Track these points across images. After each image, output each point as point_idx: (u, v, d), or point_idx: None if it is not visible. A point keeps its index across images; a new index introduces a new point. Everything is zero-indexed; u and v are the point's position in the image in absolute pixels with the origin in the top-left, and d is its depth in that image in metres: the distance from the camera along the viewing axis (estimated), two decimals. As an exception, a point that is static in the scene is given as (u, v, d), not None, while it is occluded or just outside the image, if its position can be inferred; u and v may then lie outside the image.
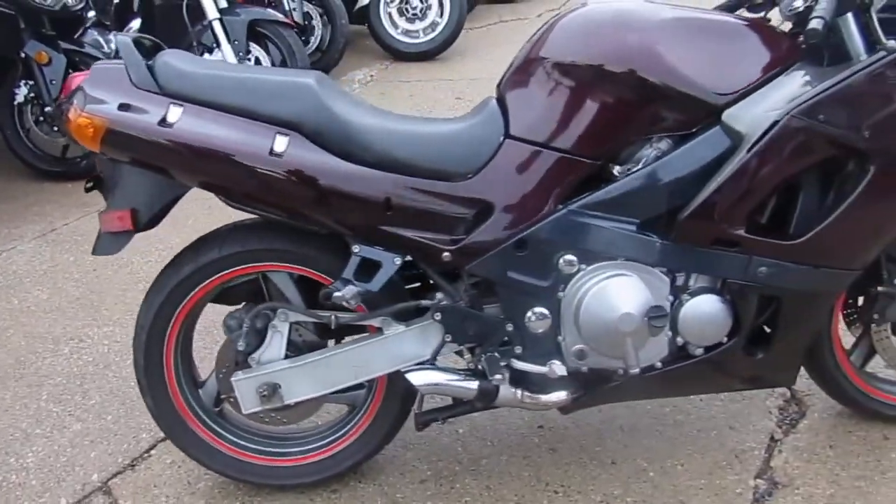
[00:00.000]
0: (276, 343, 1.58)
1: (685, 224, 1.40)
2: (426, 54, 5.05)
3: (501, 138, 1.47)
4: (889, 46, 1.28)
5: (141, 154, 1.40)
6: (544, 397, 1.58)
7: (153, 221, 1.55)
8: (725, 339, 1.52)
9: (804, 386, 1.92)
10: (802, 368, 1.74)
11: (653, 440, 1.85)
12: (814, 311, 1.54)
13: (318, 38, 4.73)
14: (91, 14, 3.98)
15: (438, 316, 1.52)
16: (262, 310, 1.56)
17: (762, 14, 1.63)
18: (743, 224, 1.40)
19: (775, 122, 1.32)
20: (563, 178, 1.46)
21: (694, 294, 1.49)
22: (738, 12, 1.66)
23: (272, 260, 1.56)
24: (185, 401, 1.67)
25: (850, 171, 1.41)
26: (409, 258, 1.51)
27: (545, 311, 1.51)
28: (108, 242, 1.52)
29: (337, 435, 1.73)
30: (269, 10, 3.84)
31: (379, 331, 1.58)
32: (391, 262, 1.48)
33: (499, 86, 1.53)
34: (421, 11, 5.00)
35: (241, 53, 3.72)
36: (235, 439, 1.71)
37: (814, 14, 1.26)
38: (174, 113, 1.39)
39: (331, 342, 1.69)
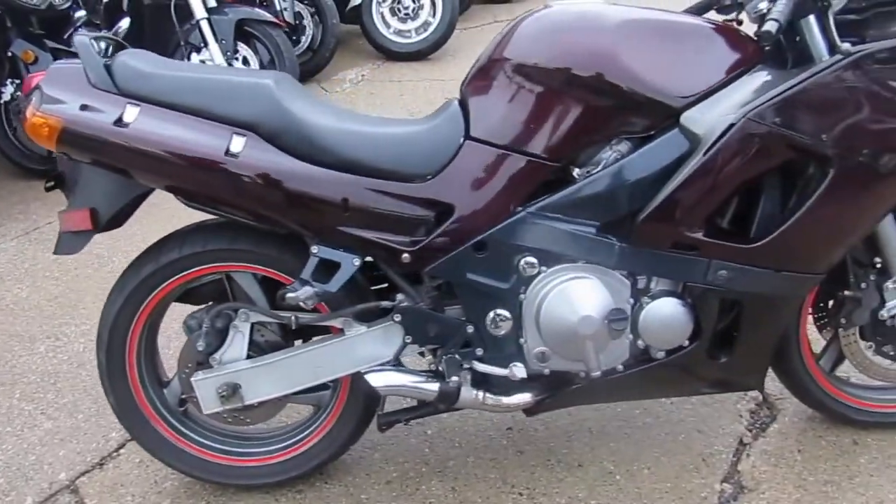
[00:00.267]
0: (237, 343, 1.58)
1: (642, 227, 1.40)
2: (418, 54, 5.05)
3: (462, 140, 1.46)
4: (844, 50, 1.27)
5: (96, 154, 1.40)
6: (507, 399, 1.58)
7: (115, 221, 1.56)
8: (687, 343, 1.51)
9: (777, 389, 1.91)
10: (773, 372, 1.74)
11: (621, 443, 1.85)
12: (777, 316, 1.53)
13: (310, 37, 4.72)
14: (80, 13, 4.00)
15: (398, 317, 1.52)
16: (223, 310, 1.56)
17: (732, 16, 1.62)
18: (701, 227, 1.40)
19: (731, 125, 1.31)
20: (523, 180, 1.45)
21: (654, 297, 1.48)
22: (708, 14, 1.65)
23: (233, 260, 1.56)
24: (149, 400, 1.67)
25: (811, 174, 1.40)
26: (369, 259, 1.51)
27: (506, 313, 1.51)
28: (69, 242, 1.52)
29: (302, 435, 1.73)
30: (258, 10, 3.84)
31: (341, 331, 1.58)
32: (350, 263, 1.48)
33: (461, 87, 1.53)
34: (413, 11, 5.00)
35: (228, 53, 3.72)
36: (200, 439, 1.71)
37: (769, 16, 1.25)
38: (130, 113, 1.39)
39: (299, 342, 1.69)
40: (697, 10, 1.67)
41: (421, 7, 4.99)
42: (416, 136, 1.48)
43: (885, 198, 1.42)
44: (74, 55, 3.51)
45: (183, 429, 1.70)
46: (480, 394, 1.56)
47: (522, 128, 1.44)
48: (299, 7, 4.65)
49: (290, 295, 1.42)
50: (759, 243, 1.40)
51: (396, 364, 1.58)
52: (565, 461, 1.80)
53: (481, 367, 1.55)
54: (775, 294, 1.47)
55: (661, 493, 1.69)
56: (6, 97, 3.56)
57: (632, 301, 1.48)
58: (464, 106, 1.49)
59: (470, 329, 1.53)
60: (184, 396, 1.65)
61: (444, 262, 1.47)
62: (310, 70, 4.75)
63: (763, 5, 1.43)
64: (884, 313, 1.62)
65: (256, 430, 1.78)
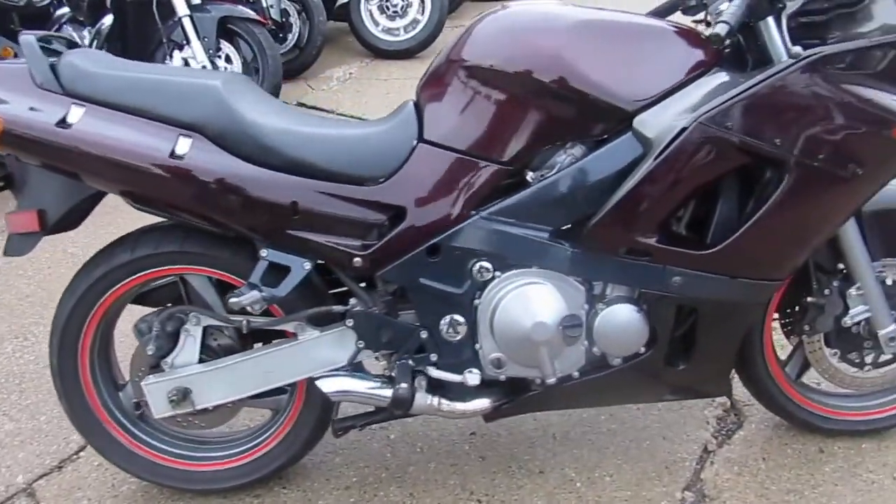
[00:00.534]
0: (189, 347, 1.55)
1: (593, 233, 1.37)
2: (407, 52, 5.02)
3: (415, 142, 1.44)
4: (794, 53, 1.24)
5: (40, 155, 1.38)
6: (463, 406, 1.56)
7: (66, 223, 1.53)
8: (643, 350, 1.49)
9: (745, 395, 1.88)
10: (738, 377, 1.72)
11: (584, 449, 1.82)
12: (736, 323, 1.50)
13: (296, 35, 4.70)
14: (63, 11, 3.99)
15: (351, 322, 1.50)
16: (173, 314, 1.54)
17: (700, 16, 1.59)
18: (654, 233, 1.37)
19: (683, 130, 1.28)
20: (476, 184, 1.42)
21: (610, 303, 1.46)
22: (674, 15, 1.63)
23: (186, 263, 1.54)
24: (103, 403, 1.65)
25: (768, 178, 1.37)
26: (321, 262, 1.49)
27: (460, 318, 1.48)
28: (18, 243, 1.50)
29: (259, 439, 1.71)
30: (240, 7, 3.81)
31: (295, 335, 1.56)
32: (300, 267, 1.45)
33: (417, 88, 1.50)
34: (402, 9, 4.97)
35: (210, 51, 3.69)
36: (155, 443, 1.69)
37: (720, 18, 1.23)
38: (75, 114, 1.36)
39: (259, 345, 1.67)
40: (662, 12, 1.64)
41: (409, 5, 4.96)
42: (369, 139, 1.46)
43: (844, 203, 1.39)
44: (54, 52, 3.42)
45: (138, 432, 1.68)
46: (436, 400, 1.54)
47: (475, 131, 1.41)
48: (286, 4, 4.63)
49: (232, 300, 1.40)
50: (713, 249, 1.38)
51: (351, 369, 1.56)
52: (526, 468, 1.78)
53: (436, 373, 1.52)
54: (732, 301, 1.45)
55: (620, 502, 1.67)
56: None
57: (587, 307, 1.46)
58: (418, 108, 1.47)
59: (424, 334, 1.50)
60: (134, 400, 1.63)
61: (397, 266, 1.45)
62: (296, 68, 4.73)
63: (724, 6, 1.40)
64: (847, 320, 1.60)
65: (214, 434, 1.75)
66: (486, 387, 1.54)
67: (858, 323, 1.61)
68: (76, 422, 1.66)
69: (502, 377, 1.53)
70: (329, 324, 1.54)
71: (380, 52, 5.06)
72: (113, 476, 1.81)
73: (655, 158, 1.30)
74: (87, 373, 1.62)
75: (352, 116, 4.10)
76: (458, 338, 1.50)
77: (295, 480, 1.78)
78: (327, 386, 1.50)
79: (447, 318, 1.48)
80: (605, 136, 1.39)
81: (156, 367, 1.57)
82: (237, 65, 3.82)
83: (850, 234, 1.52)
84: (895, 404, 1.75)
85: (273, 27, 4.52)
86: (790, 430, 1.83)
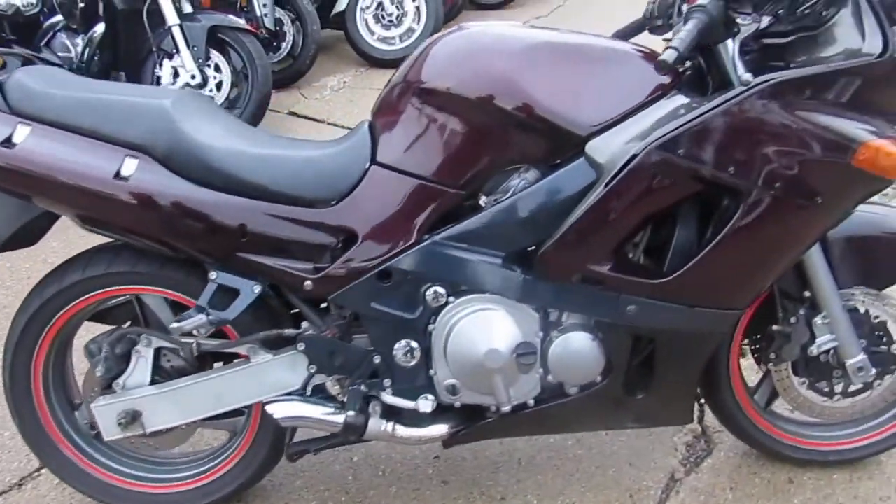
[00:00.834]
0: (140, 369, 1.53)
1: (543, 260, 1.34)
2: (402, 61, 4.98)
3: (368, 164, 1.41)
4: (744, 80, 1.21)
5: (-19, 174, 1.36)
6: (419, 432, 1.53)
7: (17, 241, 1.52)
8: (599, 379, 1.46)
9: (717, 421, 1.84)
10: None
11: (549, 475, 1.79)
12: (695, 353, 1.46)
13: (290, 43, 4.69)
14: (57, 18, 3.99)
15: (302, 346, 1.47)
16: (123, 335, 1.52)
17: (667, 35, 1.55)
18: (607, 261, 1.34)
19: (633, 156, 1.25)
20: (429, 208, 1.40)
21: (564, 331, 1.42)
22: (641, 36, 1.59)
23: (138, 283, 1.52)
24: (57, 423, 1.63)
25: (725, 206, 1.34)
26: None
27: (414, 344, 1.45)
28: (-32, 261, 1.48)
29: (216, 461, 1.69)
30: (230, 17, 3.80)
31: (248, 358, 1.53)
32: (250, 291, 1.43)
33: (372, 109, 1.48)
34: (397, 18, 4.96)
35: (199, 60, 3.68)
36: (111, 463, 1.67)
37: (669, 43, 1.19)
38: (20, 133, 1.35)
39: (220, 364, 1.65)
40: (627, 33, 1.62)
41: (405, 14, 4.95)
42: (321, 160, 1.43)
43: (804, 232, 1.35)
44: (44, 61, 3.45)
45: (93, 453, 1.66)
46: (390, 425, 1.51)
47: (427, 154, 1.38)
48: (280, 13, 4.62)
49: (173, 325, 1.38)
50: (668, 278, 1.34)
51: (308, 392, 1.53)
52: (488, 493, 1.75)
53: (389, 399, 1.49)
54: (691, 331, 1.41)
55: (581, 531, 1.64)
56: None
57: (541, 334, 1.43)
58: (372, 129, 1.45)
59: (377, 359, 1.47)
60: (85, 422, 1.61)
61: (349, 290, 1.42)
62: (290, 76, 4.72)
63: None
64: (814, 349, 1.55)
65: (171, 456, 1.73)
66: (443, 413, 1.51)
67: (827, 352, 1.57)
68: (29, 441, 1.64)
69: (457, 404, 1.50)
70: (282, 347, 1.52)
71: (375, 61, 5.05)
72: (72, 495, 1.79)
73: (606, 185, 1.27)
74: (41, 392, 1.60)
75: (342, 126, 4.08)
76: (413, 363, 1.47)
77: (253, 503, 1.75)
78: (277, 411, 1.47)
79: (401, 344, 1.45)
80: (559, 161, 1.36)
81: (108, 389, 1.55)
82: (226, 74, 3.81)
83: (815, 261, 1.48)
84: (866, 434, 1.70)
85: (267, 36, 4.52)
86: (760, 458, 1.79)
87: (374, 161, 1.41)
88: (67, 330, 1.59)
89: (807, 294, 1.53)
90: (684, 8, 1.41)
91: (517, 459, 1.84)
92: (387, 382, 1.49)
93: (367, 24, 4.97)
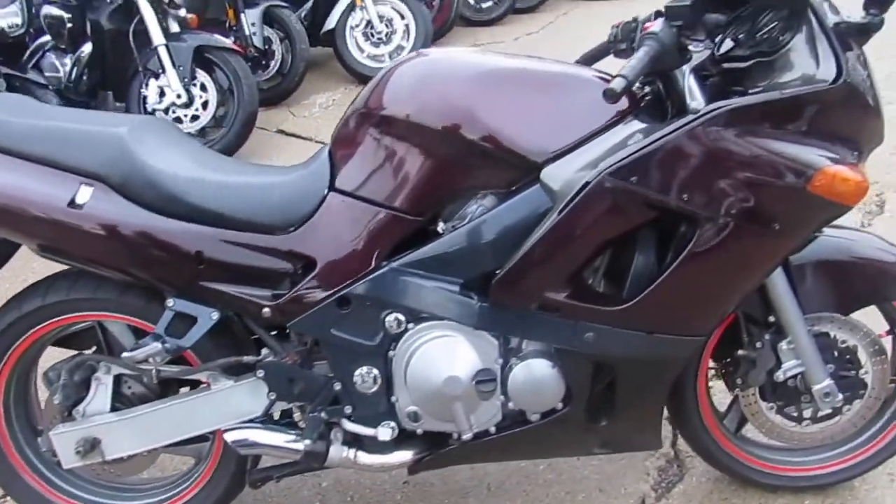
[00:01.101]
0: (100, 396, 1.52)
1: (499, 287, 1.33)
2: (392, 79, 5.00)
3: (326, 191, 1.41)
4: (693, 109, 1.20)
5: (-64, 202, 1.36)
6: (382, 459, 1.51)
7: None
8: (560, 406, 1.44)
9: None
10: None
11: (517, 501, 1.77)
12: (657, 380, 1.45)
13: (279, 62, 4.71)
14: (45, 39, 4.02)
15: (261, 373, 1.46)
16: (81, 362, 1.51)
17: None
18: (564, 288, 1.33)
19: (587, 184, 1.24)
20: (386, 234, 1.39)
21: (524, 358, 1.41)
22: (605, 60, 1.59)
23: (98, 309, 1.51)
24: (18, 449, 1.62)
25: (682, 232, 1.33)
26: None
27: (374, 370, 1.44)
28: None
29: (180, 488, 1.67)
30: (217, 37, 3.82)
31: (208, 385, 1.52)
32: (208, 318, 1.42)
33: (332, 135, 1.48)
34: (386, 36, 4.98)
35: (185, 79, 3.70)
36: (74, 490, 1.66)
37: (619, 72, 1.19)
38: (-25, 161, 1.35)
39: (185, 390, 1.63)
40: (592, 57, 1.62)
41: (394, 31, 4.97)
42: (279, 186, 1.43)
43: (762, 258, 1.34)
44: (29, 81, 3.46)
45: (56, 480, 1.65)
46: (352, 452, 1.50)
47: (385, 181, 1.38)
48: (269, 32, 4.65)
49: (126, 355, 1.37)
50: (625, 305, 1.33)
51: (269, 420, 1.52)
52: (456, 520, 1.73)
53: (350, 426, 1.48)
54: (651, 357, 1.40)
55: (548, 559, 1.62)
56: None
57: (501, 361, 1.41)
58: (331, 155, 1.44)
59: (338, 386, 1.46)
60: (44, 450, 1.59)
61: (307, 317, 1.41)
62: (279, 94, 4.74)
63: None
64: (780, 374, 1.54)
65: (135, 482, 1.72)
66: (406, 440, 1.50)
67: (794, 377, 1.55)
68: (-11, 468, 1.63)
69: (420, 431, 1.49)
70: (243, 374, 1.51)
71: (364, 79, 5.05)
72: (36, 522, 1.78)
73: (559, 213, 1.26)
74: (2, 419, 1.60)
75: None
76: (373, 390, 1.45)
77: (219, 530, 1.73)
78: (235, 438, 1.46)
79: (361, 370, 1.44)
80: (516, 188, 1.36)
81: (68, 416, 1.54)
82: (212, 93, 3.82)
83: (779, 286, 1.47)
84: (837, 460, 1.68)
85: (255, 54, 4.54)
86: (732, 483, 1.77)
87: (332, 188, 1.41)
88: (29, 356, 1.58)
89: (772, 319, 1.52)
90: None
91: (486, 485, 1.82)
92: (347, 409, 1.48)
93: (356, 41, 4.99)
